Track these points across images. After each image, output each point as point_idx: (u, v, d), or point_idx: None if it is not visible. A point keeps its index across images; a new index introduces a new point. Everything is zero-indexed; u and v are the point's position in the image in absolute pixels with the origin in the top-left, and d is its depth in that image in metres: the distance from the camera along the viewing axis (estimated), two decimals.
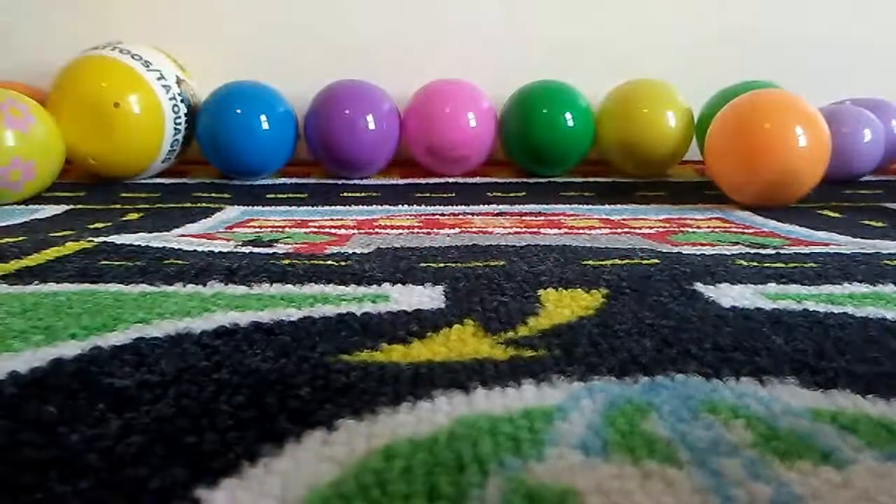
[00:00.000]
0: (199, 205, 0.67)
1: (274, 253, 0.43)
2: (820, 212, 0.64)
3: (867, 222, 0.58)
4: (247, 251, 0.44)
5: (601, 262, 0.39)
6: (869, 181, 0.83)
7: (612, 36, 0.97)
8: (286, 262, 0.40)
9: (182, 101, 0.80)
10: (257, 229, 0.54)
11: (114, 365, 0.21)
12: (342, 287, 0.33)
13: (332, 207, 0.67)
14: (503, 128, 0.86)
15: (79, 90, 0.75)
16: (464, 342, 0.24)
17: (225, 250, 0.44)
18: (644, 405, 0.18)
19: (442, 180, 0.84)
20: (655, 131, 0.82)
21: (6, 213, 0.61)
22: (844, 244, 0.48)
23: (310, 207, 0.66)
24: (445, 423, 0.17)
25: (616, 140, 0.84)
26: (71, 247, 0.44)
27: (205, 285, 0.33)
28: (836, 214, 0.63)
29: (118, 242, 0.46)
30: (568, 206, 0.68)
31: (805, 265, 0.40)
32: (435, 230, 0.53)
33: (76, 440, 0.16)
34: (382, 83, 0.86)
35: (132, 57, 0.77)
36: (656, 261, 0.40)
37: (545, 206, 0.67)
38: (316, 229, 0.54)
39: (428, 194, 0.74)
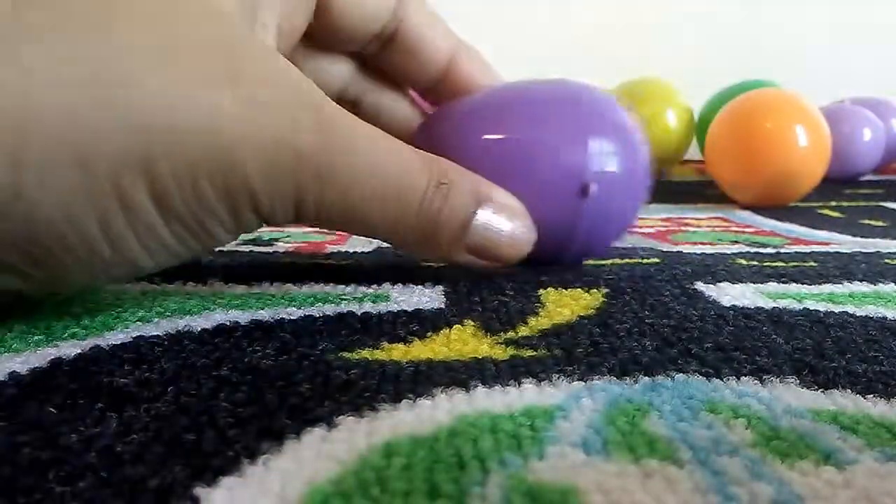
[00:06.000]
0: None
1: (274, 251, 0.43)
2: (820, 211, 0.64)
3: (867, 222, 0.58)
4: (247, 250, 0.44)
5: (601, 262, 0.39)
6: (869, 180, 0.83)
7: (611, 35, 0.97)
8: (286, 260, 0.40)
9: None
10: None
11: (113, 364, 0.21)
12: (342, 286, 0.33)
13: None
14: None
15: None
16: (464, 342, 0.24)
17: (225, 248, 0.44)
18: (644, 404, 0.18)
19: None
20: (655, 131, 0.82)
21: None
22: (845, 243, 0.48)
23: None
24: (446, 420, 0.17)
25: None
26: None
27: (205, 283, 0.33)
28: (837, 214, 0.63)
29: None
30: None
31: (805, 264, 0.40)
32: None
33: (76, 440, 0.16)
34: None
35: None
36: (657, 260, 0.40)
37: None
38: (316, 228, 0.54)
39: None
